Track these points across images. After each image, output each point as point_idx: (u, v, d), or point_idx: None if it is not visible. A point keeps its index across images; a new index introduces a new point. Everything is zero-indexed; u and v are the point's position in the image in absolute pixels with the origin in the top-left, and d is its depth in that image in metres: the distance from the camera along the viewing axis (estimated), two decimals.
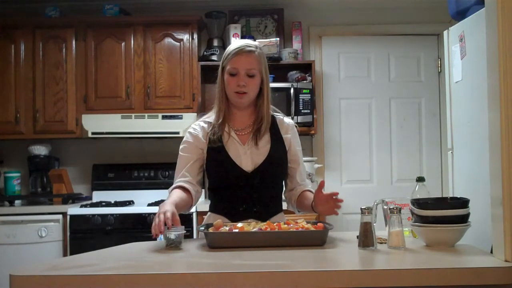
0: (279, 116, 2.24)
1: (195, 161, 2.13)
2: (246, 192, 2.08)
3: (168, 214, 1.81)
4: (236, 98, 2.10)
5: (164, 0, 4.31)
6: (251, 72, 2.08)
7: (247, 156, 2.10)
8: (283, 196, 2.23)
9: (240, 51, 2.08)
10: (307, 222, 1.94)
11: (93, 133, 4.01)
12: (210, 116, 2.20)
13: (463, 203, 1.80)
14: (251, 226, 1.88)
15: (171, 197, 2.01)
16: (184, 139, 2.19)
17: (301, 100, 3.97)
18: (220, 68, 2.14)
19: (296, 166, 2.20)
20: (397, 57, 4.42)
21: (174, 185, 2.10)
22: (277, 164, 2.14)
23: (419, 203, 1.82)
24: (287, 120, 2.25)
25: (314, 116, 4.03)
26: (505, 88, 1.56)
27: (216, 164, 2.12)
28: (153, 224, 1.81)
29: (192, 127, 2.19)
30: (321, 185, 1.99)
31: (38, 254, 3.63)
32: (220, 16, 4.26)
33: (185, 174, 2.11)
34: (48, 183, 4.20)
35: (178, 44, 4.08)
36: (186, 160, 2.14)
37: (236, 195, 2.09)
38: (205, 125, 2.18)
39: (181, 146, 2.18)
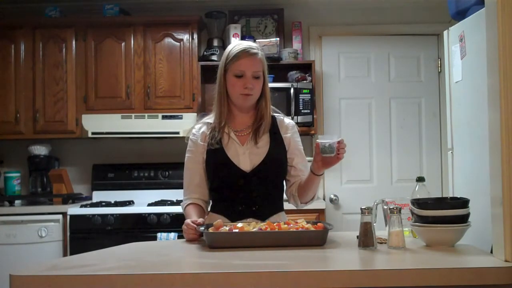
0: (280, 116, 2.25)
1: (201, 173, 2.16)
2: (245, 192, 2.09)
3: (187, 222, 1.98)
4: (241, 100, 2.11)
5: (164, 0, 4.31)
6: (257, 74, 2.10)
7: (246, 156, 2.10)
8: (284, 196, 2.23)
9: (245, 53, 2.09)
10: (307, 222, 1.93)
11: (93, 133, 4.01)
12: (211, 117, 2.21)
13: (463, 203, 1.80)
14: (251, 226, 1.88)
15: (189, 215, 2.10)
16: (187, 147, 2.21)
17: (301, 100, 3.97)
18: (221, 70, 2.13)
19: (296, 164, 2.19)
20: (397, 57, 4.42)
21: (186, 202, 2.17)
22: (275, 164, 2.14)
23: (419, 203, 1.82)
24: (287, 120, 2.25)
25: (314, 116, 4.03)
26: (505, 88, 1.56)
27: (215, 165, 2.13)
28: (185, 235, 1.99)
29: (192, 132, 2.21)
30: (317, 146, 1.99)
31: (38, 254, 3.63)
32: (220, 16, 4.26)
33: (194, 190, 2.16)
34: (48, 183, 4.20)
35: (178, 44, 4.08)
36: (191, 174, 2.18)
37: (235, 195, 2.10)
38: (205, 127, 2.19)
39: (186, 156, 2.21)
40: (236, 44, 2.16)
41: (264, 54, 2.18)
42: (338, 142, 1.96)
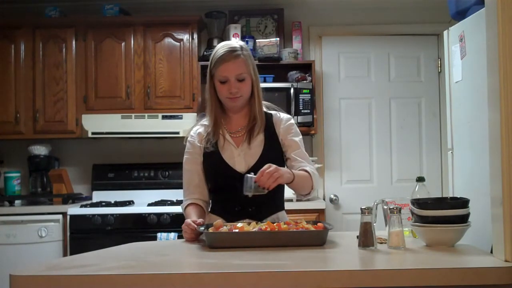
0: (276, 113, 2.23)
1: (199, 174, 2.16)
2: (241, 193, 2.08)
3: (188, 222, 1.97)
4: (230, 102, 2.11)
5: (164, 0, 4.31)
6: (241, 76, 2.07)
7: (241, 157, 2.11)
8: (286, 194, 2.23)
9: (226, 57, 2.05)
10: (307, 222, 1.93)
11: (93, 133, 4.01)
12: (208, 119, 2.20)
13: (463, 203, 1.80)
14: (251, 226, 1.88)
15: (189, 215, 2.09)
16: (185, 148, 2.21)
17: (301, 100, 3.97)
18: (208, 75, 2.12)
19: (291, 154, 2.16)
20: (397, 57, 4.42)
21: (186, 203, 2.16)
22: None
23: (419, 203, 1.82)
24: (283, 115, 2.24)
25: (314, 116, 4.03)
26: (505, 88, 1.56)
27: (211, 167, 2.14)
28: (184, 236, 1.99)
29: (190, 134, 2.22)
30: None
31: (38, 254, 3.63)
32: (220, 16, 4.26)
33: (194, 191, 2.17)
34: (48, 183, 4.20)
35: (178, 44, 4.08)
36: (190, 175, 2.18)
37: (231, 196, 2.10)
38: (202, 129, 2.19)
39: (184, 157, 2.21)
40: (218, 47, 2.11)
41: (250, 53, 2.14)
42: (255, 181, 1.90)
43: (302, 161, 2.15)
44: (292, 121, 2.23)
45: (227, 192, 2.12)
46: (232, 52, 2.06)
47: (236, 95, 2.08)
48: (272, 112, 2.23)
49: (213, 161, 2.12)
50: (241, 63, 2.06)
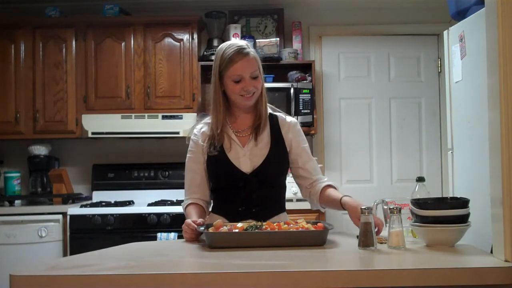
0: (281, 115, 2.23)
1: (202, 173, 2.15)
2: (245, 193, 2.08)
3: (188, 222, 1.95)
4: (244, 101, 2.08)
5: (164, 0, 4.31)
6: (255, 74, 2.06)
7: (246, 158, 2.09)
8: (286, 195, 2.23)
9: (239, 56, 2.03)
10: (307, 222, 1.93)
11: (93, 133, 4.01)
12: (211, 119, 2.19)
13: (463, 203, 1.79)
14: (252, 227, 1.88)
15: (189, 215, 2.08)
16: (188, 147, 2.20)
17: (301, 100, 3.97)
18: (216, 77, 2.08)
19: (303, 164, 2.16)
20: (397, 57, 4.42)
21: (186, 202, 2.15)
22: (275, 165, 2.13)
23: (419, 203, 1.82)
24: (289, 118, 2.23)
25: (314, 116, 4.03)
26: (505, 88, 1.56)
27: (216, 167, 2.12)
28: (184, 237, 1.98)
29: (194, 132, 2.19)
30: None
31: (38, 254, 3.63)
32: (220, 16, 4.26)
33: (195, 191, 2.16)
34: (48, 183, 4.20)
35: (178, 44, 4.09)
36: (192, 174, 2.17)
37: (235, 196, 2.10)
38: (206, 127, 2.17)
39: (187, 156, 2.19)
40: (225, 48, 2.08)
41: (255, 51, 2.13)
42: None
43: (317, 174, 2.18)
44: (299, 125, 2.23)
45: (230, 192, 2.12)
46: (243, 50, 2.05)
47: (252, 92, 2.06)
48: (277, 114, 2.23)
49: (218, 161, 2.10)
50: (253, 61, 2.06)
